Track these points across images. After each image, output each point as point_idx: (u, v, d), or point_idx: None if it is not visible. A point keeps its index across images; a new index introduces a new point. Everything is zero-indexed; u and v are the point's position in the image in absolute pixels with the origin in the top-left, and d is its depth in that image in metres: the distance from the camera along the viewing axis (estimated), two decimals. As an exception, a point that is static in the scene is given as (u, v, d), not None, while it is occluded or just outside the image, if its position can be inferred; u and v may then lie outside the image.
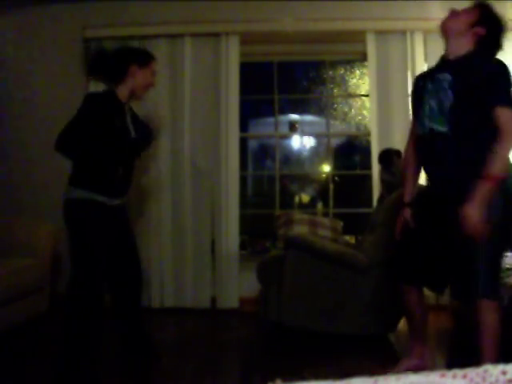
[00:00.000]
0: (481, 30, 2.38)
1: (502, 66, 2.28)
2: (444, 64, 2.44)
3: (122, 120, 2.82)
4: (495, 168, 2.19)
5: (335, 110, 5.26)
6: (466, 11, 2.42)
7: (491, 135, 2.23)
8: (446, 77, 2.33)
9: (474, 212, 2.17)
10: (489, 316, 2.27)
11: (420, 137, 2.47)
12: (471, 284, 2.29)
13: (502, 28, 2.43)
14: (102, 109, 2.72)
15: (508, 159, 2.26)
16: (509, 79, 2.28)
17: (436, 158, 2.40)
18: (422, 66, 4.27)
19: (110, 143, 2.72)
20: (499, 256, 2.35)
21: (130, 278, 2.90)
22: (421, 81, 2.52)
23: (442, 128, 2.33)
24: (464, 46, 2.39)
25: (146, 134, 2.99)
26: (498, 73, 2.27)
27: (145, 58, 2.89)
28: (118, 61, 2.83)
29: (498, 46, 2.42)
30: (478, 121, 2.28)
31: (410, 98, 2.70)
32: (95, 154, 2.70)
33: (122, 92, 2.83)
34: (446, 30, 2.44)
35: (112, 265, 2.82)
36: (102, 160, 2.72)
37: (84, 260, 2.67)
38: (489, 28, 2.39)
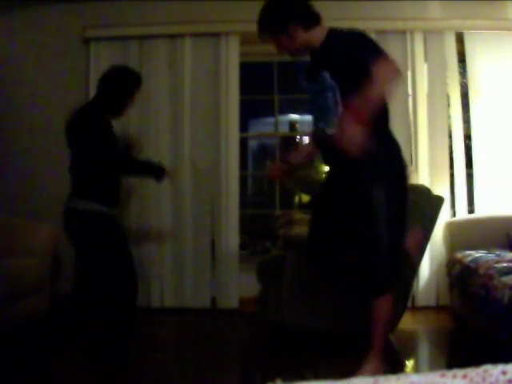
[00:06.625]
0: (294, 28, 2.41)
1: (357, 34, 2.31)
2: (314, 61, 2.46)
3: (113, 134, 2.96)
4: (361, 106, 2.09)
5: (335, 109, 5.25)
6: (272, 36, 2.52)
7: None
8: (325, 75, 2.33)
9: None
10: (382, 309, 2.25)
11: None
12: (367, 280, 2.29)
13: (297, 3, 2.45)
14: (106, 125, 2.88)
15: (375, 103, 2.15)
16: (370, 40, 2.31)
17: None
18: (422, 66, 4.28)
19: (116, 156, 2.91)
20: (396, 242, 2.28)
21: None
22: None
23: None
24: (310, 41, 2.41)
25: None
26: (357, 41, 2.29)
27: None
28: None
29: (317, 18, 2.43)
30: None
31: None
32: (105, 167, 2.87)
33: None
34: (287, 50, 2.52)
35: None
36: (111, 172, 2.91)
37: (113, 267, 2.88)
38: (295, 17, 2.41)
